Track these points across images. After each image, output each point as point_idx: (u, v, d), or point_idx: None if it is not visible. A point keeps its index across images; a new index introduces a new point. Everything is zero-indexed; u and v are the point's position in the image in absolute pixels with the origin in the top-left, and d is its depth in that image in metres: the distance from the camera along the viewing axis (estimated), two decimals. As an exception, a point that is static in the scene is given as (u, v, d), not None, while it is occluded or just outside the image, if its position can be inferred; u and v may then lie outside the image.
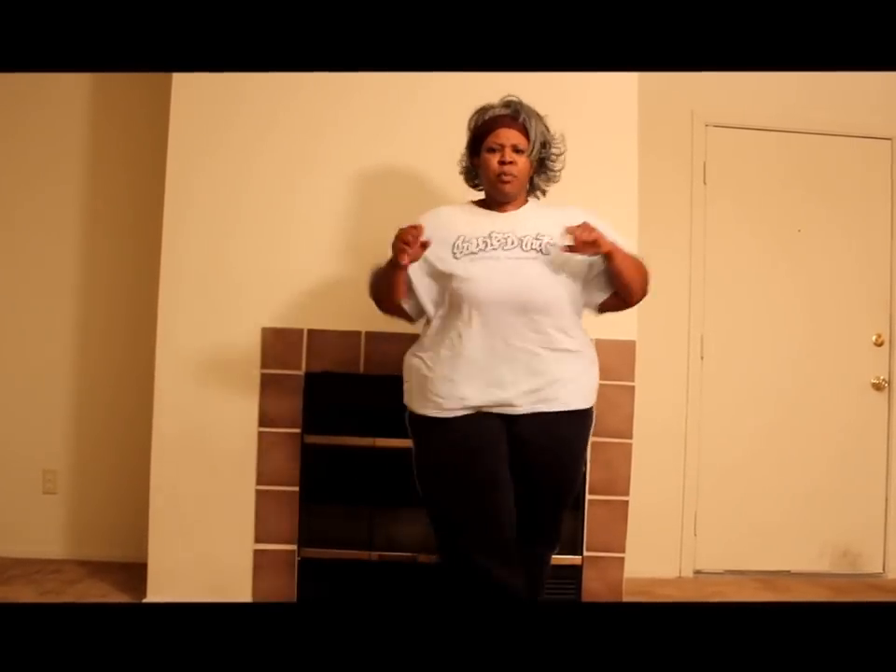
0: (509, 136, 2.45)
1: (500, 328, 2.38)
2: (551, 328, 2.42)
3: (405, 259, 2.33)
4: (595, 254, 2.38)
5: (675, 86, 3.98)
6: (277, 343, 3.30)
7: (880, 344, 4.17)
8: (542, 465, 2.47)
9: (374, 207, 3.28)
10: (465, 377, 2.39)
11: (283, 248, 3.31)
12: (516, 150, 2.45)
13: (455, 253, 2.43)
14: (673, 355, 4.09)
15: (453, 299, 2.41)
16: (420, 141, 3.25)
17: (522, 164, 2.47)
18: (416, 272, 2.46)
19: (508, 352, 2.38)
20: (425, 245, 2.34)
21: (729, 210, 4.12)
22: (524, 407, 2.41)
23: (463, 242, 2.44)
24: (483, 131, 2.49)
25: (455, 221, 2.50)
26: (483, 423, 2.42)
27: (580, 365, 2.50)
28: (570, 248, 2.35)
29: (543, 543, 2.60)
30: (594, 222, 2.39)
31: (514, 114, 2.47)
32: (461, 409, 2.41)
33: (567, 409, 2.45)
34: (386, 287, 2.47)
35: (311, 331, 3.30)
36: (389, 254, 2.39)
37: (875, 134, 4.17)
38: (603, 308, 2.59)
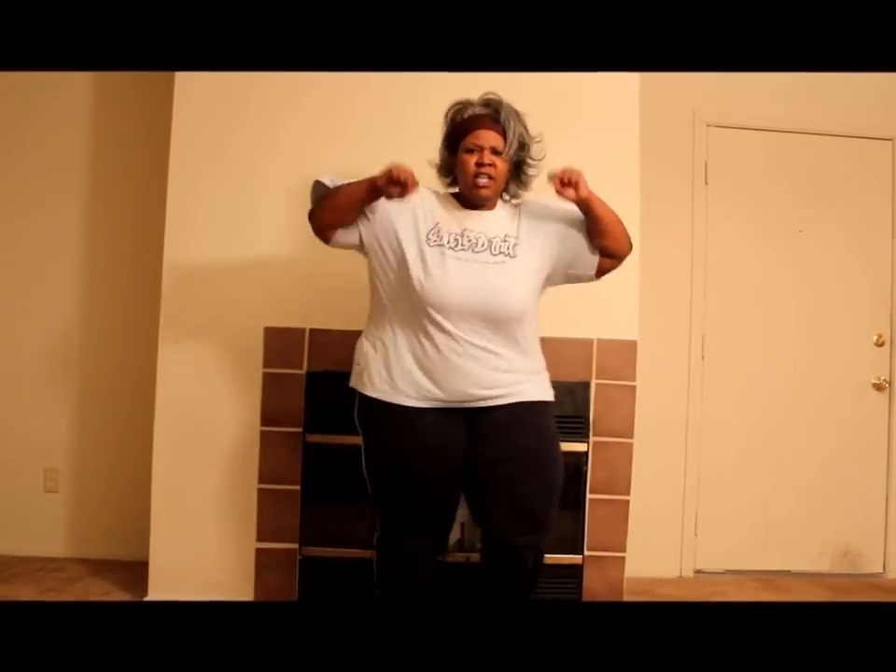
0: (488, 138, 2.40)
1: (462, 328, 2.36)
2: (512, 333, 2.42)
3: (394, 193, 2.31)
4: (577, 199, 2.36)
5: (676, 86, 3.98)
6: (279, 343, 3.30)
7: (881, 345, 4.17)
8: (510, 452, 2.43)
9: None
10: (427, 372, 2.39)
11: (284, 247, 3.32)
12: (495, 152, 2.41)
13: (429, 237, 2.41)
14: (674, 355, 4.09)
15: (417, 292, 2.36)
16: (424, 141, 3.24)
17: (500, 167, 2.43)
18: (383, 211, 2.43)
19: (469, 351, 2.37)
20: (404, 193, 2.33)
21: (730, 210, 4.12)
22: (487, 401, 2.41)
23: (439, 231, 2.42)
24: (461, 129, 2.45)
25: (436, 207, 2.47)
26: (443, 420, 2.42)
27: (537, 365, 2.52)
28: (559, 191, 2.35)
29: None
30: (544, 205, 2.47)
31: (494, 114, 2.42)
32: (422, 400, 2.41)
33: (530, 399, 2.45)
34: (348, 203, 2.41)
35: (313, 331, 3.31)
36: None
37: (876, 135, 4.17)
38: (600, 271, 2.56)
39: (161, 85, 3.56)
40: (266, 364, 3.30)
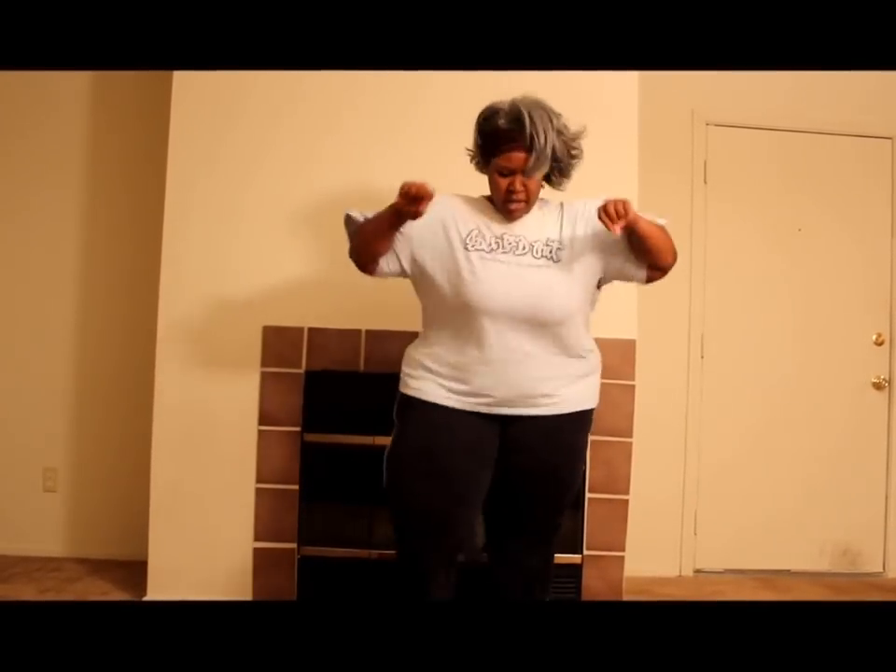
0: (519, 162, 2.31)
1: (508, 332, 2.33)
2: (558, 336, 2.38)
3: (413, 210, 2.25)
4: (627, 226, 2.28)
5: (675, 85, 3.98)
6: (278, 342, 3.30)
7: (880, 344, 4.17)
8: (537, 468, 2.44)
9: (377, 207, 3.27)
10: (471, 374, 2.36)
11: (283, 247, 3.31)
12: (526, 176, 2.33)
13: (466, 243, 2.37)
14: (673, 354, 4.09)
15: (460, 298, 2.34)
16: (424, 141, 3.25)
17: (532, 187, 2.36)
18: (415, 230, 2.38)
19: (513, 355, 2.34)
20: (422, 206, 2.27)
21: (729, 209, 4.12)
22: (526, 409, 2.39)
23: (477, 235, 2.38)
24: (492, 143, 2.35)
25: (470, 212, 2.43)
26: (480, 423, 2.40)
27: (583, 370, 2.48)
28: (607, 225, 2.25)
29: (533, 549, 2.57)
30: (586, 205, 2.41)
31: (521, 129, 2.29)
32: (461, 402, 2.39)
33: (565, 412, 2.42)
34: (377, 233, 2.38)
35: (311, 330, 3.30)
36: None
37: (876, 134, 4.18)
38: (649, 280, 2.52)
39: (159, 84, 3.55)
40: (264, 363, 3.30)
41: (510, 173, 2.34)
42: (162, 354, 3.31)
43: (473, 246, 2.36)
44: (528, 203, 2.39)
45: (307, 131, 3.33)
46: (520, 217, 2.41)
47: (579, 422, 2.48)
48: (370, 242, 2.42)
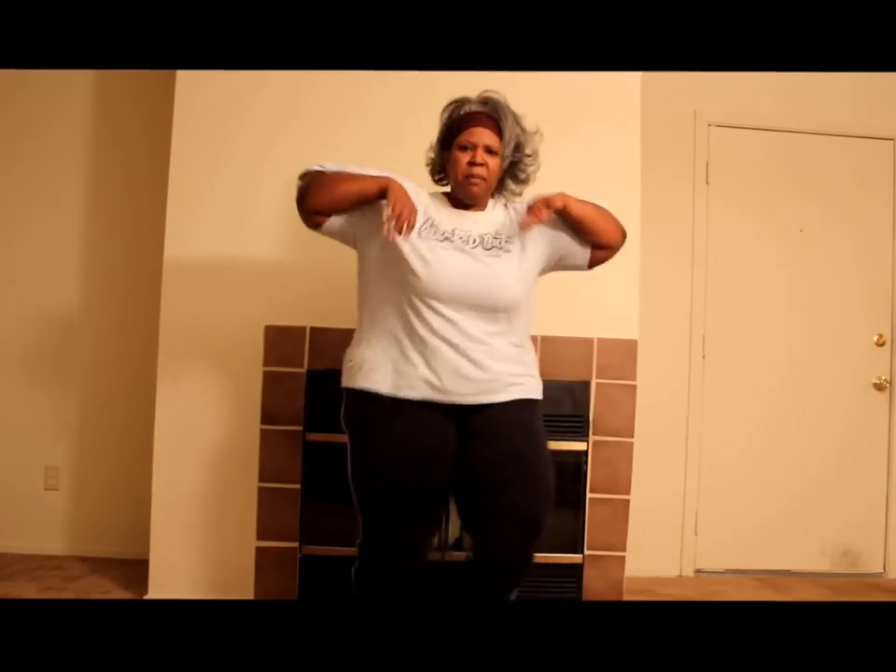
0: (482, 136, 2.38)
1: (458, 317, 2.33)
2: (507, 324, 2.40)
3: (404, 232, 2.27)
4: (555, 210, 2.37)
5: (678, 86, 3.98)
6: (280, 341, 3.30)
7: (881, 344, 4.17)
8: (498, 450, 2.38)
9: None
10: (422, 362, 2.34)
11: (286, 246, 3.32)
12: (489, 151, 2.39)
13: (420, 231, 2.36)
14: (674, 354, 4.09)
15: (412, 282, 2.32)
16: (427, 141, 3.25)
17: (492, 166, 2.41)
18: (377, 208, 2.36)
19: (465, 341, 2.34)
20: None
21: (731, 210, 4.12)
22: (482, 396, 2.37)
23: (432, 225, 2.39)
24: (456, 126, 2.42)
25: (428, 204, 2.44)
26: (435, 416, 2.37)
27: (530, 359, 2.50)
28: (531, 222, 2.36)
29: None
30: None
31: (491, 112, 2.40)
32: (414, 392, 2.35)
33: (524, 397, 2.42)
34: (353, 195, 2.36)
35: (313, 329, 3.31)
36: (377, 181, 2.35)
37: (877, 135, 4.18)
38: (594, 262, 2.54)
39: (161, 83, 3.56)
40: (266, 362, 3.30)
41: (472, 147, 2.39)
42: (164, 352, 3.32)
43: (427, 235, 2.37)
44: (487, 181, 2.42)
45: (310, 131, 3.34)
46: (478, 195, 2.43)
47: (531, 409, 2.45)
48: (337, 198, 2.38)
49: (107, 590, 3.49)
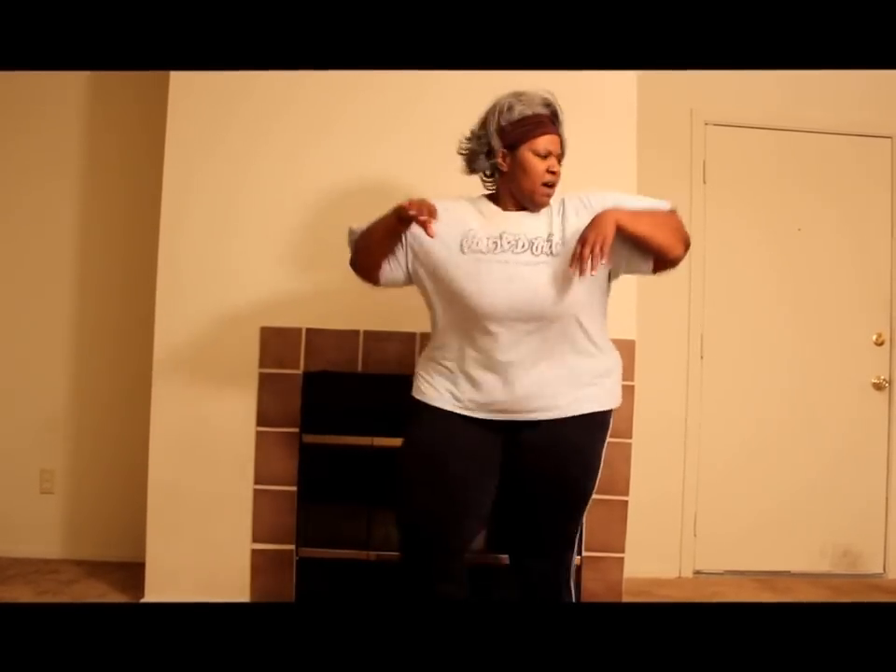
0: (556, 145, 2.34)
1: (510, 334, 2.30)
2: (563, 333, 2.33)
3: (429, 228, 2.21)
4: (608, 246, 2.21)
5: (674, 84, 3.98)
6: (276, 343, 3.29)
7: (880, 344, 4.16)
8: (545, 468, 2.38)
9: (374, 207, 3.26)
10: (478, 380, 2.34)
11: (281, 247, 3.31)
12: (558, 159, 2.35)
13: (462, 247, 2.33)
14: (673, 354, 4.08)
15: (460, 303, 2.31)
16: (421, 141, 3.25)
17: (559, 174, 2.36)
18: (413, 237, 2.36)
19: (521, 357, 2.31)
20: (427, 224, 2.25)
21: (729, 209, 4.11)
22: (536, 413, 2.35)
23: (474, 237, 2.33)
24: (530, 129, 2.32)
25: (466, 213, 2.39)
26: (479, 430, 2.38)
27: (601, 367, 2.43)
28: (581, 272, 2.22)
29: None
30: (585, 200, 2.36)
31: (553, 117, 2.36)
32: (467, 409, 2.37)
33: (581, 413, 2.37)
34: (379, 238, 2.36)
35: (309, 330, 3.30)
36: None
37: (875, 133, 4.17)
38: (658, 269, 2.40)
39: (155, 85, 3.55)
40: (262, 364, 3.29)
41: (548, 155, 2.32)
42: (160, 355, 3.31)
43: (470, 248, 2.33)
44: (555, 189, 2.37)
45: (305, 132, 3.33)
46: (547, 205, 2.37)
47: (589, 425, 2.41)
48: (370, 249, 2.40)
49: (103, 593, 3.48)
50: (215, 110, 3.33)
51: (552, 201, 2.40)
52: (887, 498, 4.16)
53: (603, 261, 2.22)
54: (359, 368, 3.29)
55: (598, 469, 2.44)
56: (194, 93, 3.31)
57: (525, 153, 2.32)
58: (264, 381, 3.29)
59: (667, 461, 4.06)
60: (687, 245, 2.39)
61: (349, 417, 3.27)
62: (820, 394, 4.14)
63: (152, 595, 3.29)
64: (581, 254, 2.20)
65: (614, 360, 2.49)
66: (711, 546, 4.08)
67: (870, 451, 4.16)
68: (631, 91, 3.35)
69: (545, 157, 2.32)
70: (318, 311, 3.29)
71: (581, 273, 2.20)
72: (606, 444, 2.46)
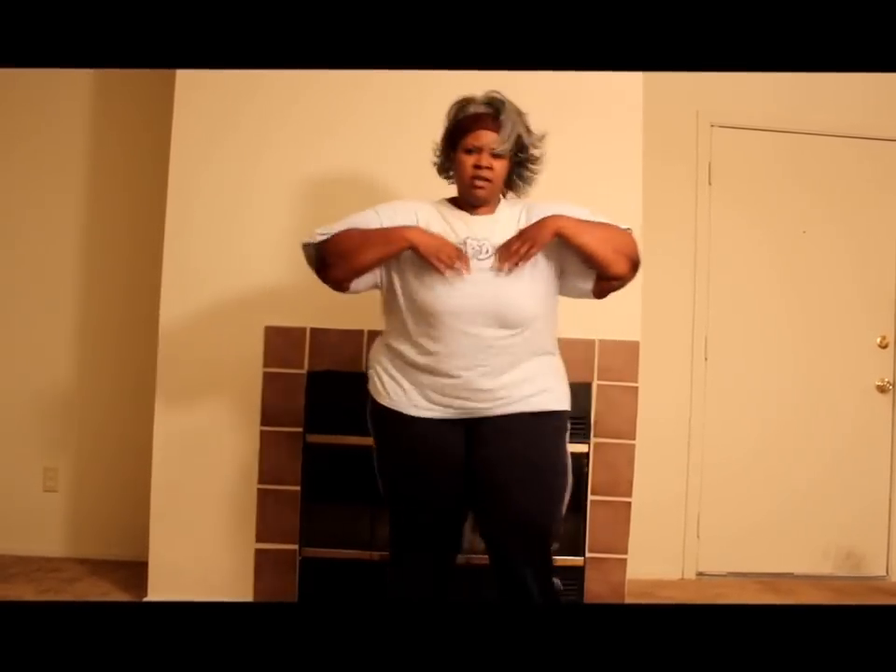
0: (488, 139, 2.34)
1: (472, 335, 2.31)
2: (523, 337, 2.36)
3: (451, 271, 2.28)
4: (544, 243, 2.30)
5: (680, 86, 3.97)
6: (280, 342, 3.29)
7: (884, 347, 4.16)
8: (506, 454, 2.39)
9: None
10: (436, 382, 2.36)
11: (285, 246, 3.30)
12: (494, 155, 2.36)
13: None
14: (677, 356, 4.08)
15: (422, 305, 2.34)
16: (427, 140, 3.24)
17: (498, 169, 2.37)
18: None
19: (479, 360, 2.33)
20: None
21: (734, 211, 4.11)
22: (491, 408, 2.38)
23: None
24: (462, 128, 2.38)
25: (434, 219, 2.42)
26: (444, 428, 2.41)
27: (550, 372, 2.48)
28: (509, 264, 2.29)
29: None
30: (548, 210, 2.36)
31: (496, 113, 2.36)
32: (429, 410, 2.39)
33: (536, 409, 2.40)
34: (372, 261, 2.35)
35: (314, 330, 3.30)
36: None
37: (882, 136, 4.16)
38: (599, 292, 2.45)
39: (161, 83, 3.55)
40: (266, 363, 3.29)
41: (477, 150, 2.36)
42: (164, 353, 3.31)
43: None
44: (493, 183, 2.39)
45: (310, 130, 3.33)
46: (484, 198, 2.40)
47: (547, 419, 2.44)
48: (357, 267, 2.36)
49: (106, 592, 3.48)
50: (220, 109, 3.33)
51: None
52: (890, 500, 4.15)
53: (532, 261, 2.31)
54: (363, 367, 3.28)
55: (560, 464, 2.47)
56: (200, 92, 3.31)
57: (458, 152, 2.41)
58: (268, 380, 3.29)
59: (671, 463, 4.05)
60: (634, 266, 2.41)
61: (353, 417, 3.23)
62: (824, 396, 4.14)
63: (155, 593, 3.29)
64: (510, 246, 2.30)
65: (556, 368, 2.53)
66: (714, 548, 4.07)
67: (873, 453, 4.15)
68: (637, 92, 3.35)
69: (474, 152, 2.37)
70: (323, 310, 3.28)
71: (502, 264, 2.30)
72: (567, 445, 2.52)
